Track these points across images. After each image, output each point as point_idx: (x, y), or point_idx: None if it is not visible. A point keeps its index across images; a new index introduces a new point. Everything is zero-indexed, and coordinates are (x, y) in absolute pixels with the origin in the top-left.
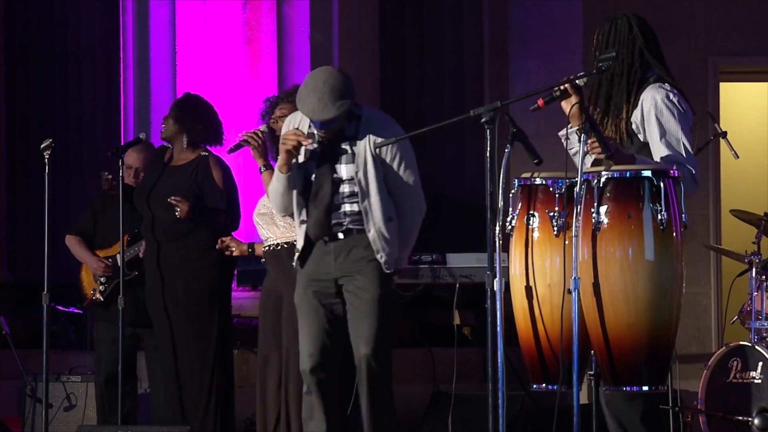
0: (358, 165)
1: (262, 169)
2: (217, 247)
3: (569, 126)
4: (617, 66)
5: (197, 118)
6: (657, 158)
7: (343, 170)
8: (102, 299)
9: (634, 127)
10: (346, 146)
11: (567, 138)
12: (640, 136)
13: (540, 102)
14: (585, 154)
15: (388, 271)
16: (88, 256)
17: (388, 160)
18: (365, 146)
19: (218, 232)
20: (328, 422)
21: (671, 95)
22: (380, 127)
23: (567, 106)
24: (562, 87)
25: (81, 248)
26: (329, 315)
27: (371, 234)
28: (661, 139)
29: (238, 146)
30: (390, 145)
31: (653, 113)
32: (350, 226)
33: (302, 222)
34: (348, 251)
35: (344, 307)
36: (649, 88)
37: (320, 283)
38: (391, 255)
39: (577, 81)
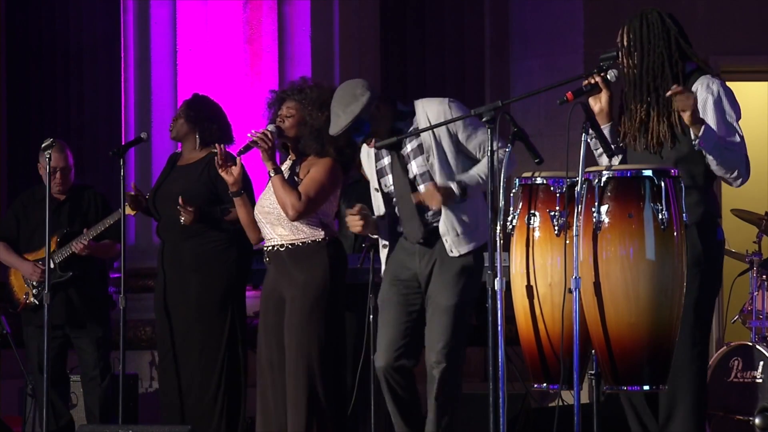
0: (426, 151)
1: (272, 173)
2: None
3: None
4: (656, 58)
5: (210, 117)
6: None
7: (414, 166)
8: (36, 303)
9: None
10: (409, 144)
11: (594, 138)
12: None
13: (569, 95)
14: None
15: (453, 255)
16: (19, 261)
17: (458, 132)
18: (429, 132)
19: (233, 231)
20: (405, 422)
21: (725, 86)
22: (430, 106)
23: (595, 102)
24: (592, 80)
25: (9, 253)
26: (411, 312)
27: (441, 217)
28: (720, 127)
29: (247, 148)
30: (453, 122)
31: (711, 101)
32: (435, 224)
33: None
34: (431, 254)
35: (423, 307)
36: (702, 78)
37: (405, 282)
38: (456, 237)
39: (608, 76)
